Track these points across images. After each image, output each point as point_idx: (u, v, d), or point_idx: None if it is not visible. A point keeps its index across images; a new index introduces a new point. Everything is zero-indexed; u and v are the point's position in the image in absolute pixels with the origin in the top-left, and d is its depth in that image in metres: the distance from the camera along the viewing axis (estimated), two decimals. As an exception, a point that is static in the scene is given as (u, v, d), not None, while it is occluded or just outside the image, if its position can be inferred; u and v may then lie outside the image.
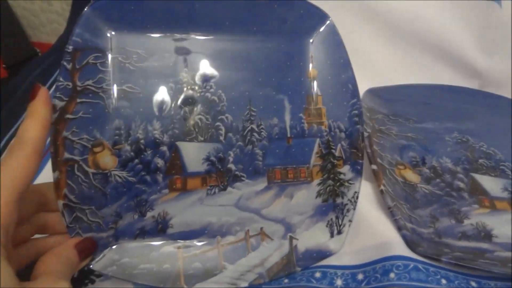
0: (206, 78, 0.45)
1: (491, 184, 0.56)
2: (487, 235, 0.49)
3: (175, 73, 0.45)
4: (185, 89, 0.45)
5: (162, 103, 0.44)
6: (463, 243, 0.48)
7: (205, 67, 0.45)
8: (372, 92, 0.65)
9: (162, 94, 0.44)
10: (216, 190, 0.45)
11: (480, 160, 0.59)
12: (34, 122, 0.33)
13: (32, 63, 0.68)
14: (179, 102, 0.44)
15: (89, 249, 0.38)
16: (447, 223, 0.50)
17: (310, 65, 0.48)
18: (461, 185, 0.55)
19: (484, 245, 0.48)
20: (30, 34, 0.82)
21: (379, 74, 0.69)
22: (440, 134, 0.62)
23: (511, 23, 0.70)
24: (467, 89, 0.71)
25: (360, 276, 0.43)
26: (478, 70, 0.73)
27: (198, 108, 0.45)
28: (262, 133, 0.46)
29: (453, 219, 0.50)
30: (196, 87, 0.45)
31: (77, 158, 0.39)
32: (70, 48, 0.39)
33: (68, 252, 0.36)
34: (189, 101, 0.45)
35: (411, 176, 0.55)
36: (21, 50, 0.75)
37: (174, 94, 0.44)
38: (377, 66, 0.71)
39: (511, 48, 0.71)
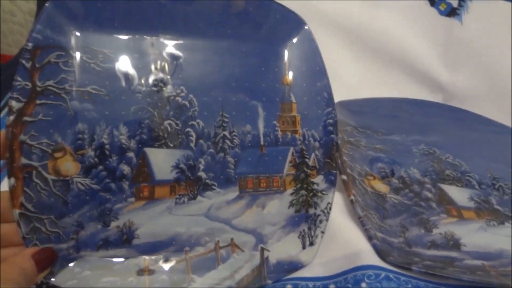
0: (173, 56, 0.43)
1: (458, 194, 0.57)
2: (455, 244, 0.49)
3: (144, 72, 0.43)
4: (153, 67, 0.43)
5: (127, 75, 0.41)
6: (433, 252, 0.48)
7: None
8: (341, 104, 0.66)
9: (126, 66, 0.42)
10: (186, 199, 0.43)
11: (447, 171, 0.60)
12: None
13: None
14: (150, 80, 0.42)
15: (48, 260, 0.36)
16: (417, 232, 0.50)
17: (285, 72, 0.47)
18: (429, 195, 0.56)
19: (453, 254, 0.48)
20: None
21: (347, 87, 0.70)
22: (408, 146, 0.63)
23: (471, 39, 0.74)
24: (433, 103, 0.74)
25: (332, 287, 0.42)
26: (442, 85, 0.76)
27: (168, 89, 0.43)
28: (234, 140, 0.45)
29: (422, 229, 0.51)
30: (166, 65, 0.43)
31: (35, 164, 0.37)
32: (29, 45, 0.37)
33: (24, 262, 0.33)
34: (159, 82, 0.43)
35: (380, 186, 0.55)
36: None
37: (141, 71, 0.42)
38: (345, 79, 0.72)
39: (473, 64, 0.75)
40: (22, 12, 0.77)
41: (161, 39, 0.43)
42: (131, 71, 0.42)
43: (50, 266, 0.36)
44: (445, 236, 0.50)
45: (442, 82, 0.76)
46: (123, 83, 0.42)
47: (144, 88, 0.42)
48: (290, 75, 0.47)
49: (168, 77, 0.43)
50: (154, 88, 0.42)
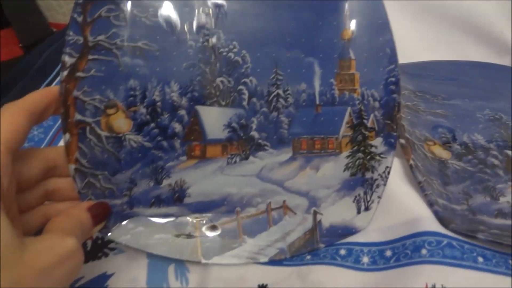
0: (217, 4, 0.41)
1: None
2: None
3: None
4: (196, 11, 0.41)
5: (170, 20, 0.40)
6: (500, 221, 0.46)
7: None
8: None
9: (168, 10, 0.40)
10: (237, 159, 0.42)
11: None
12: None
13: (46, 41, 0.67)
14: (193, 26, 0.41)
15: (103, 214, 0.36)
16: (482, 200, 0.48)
17: (345, 25, 0.44)
18: (496, 162, 0.53)
19: None
20: (47, 15, 0.80)
21: (405, 50, 0.66)
22: (471, 111, 0.60)
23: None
24: (498, 66, 0.69)
25: (388, 253, 0.41)
26: (510, 46, 0.70)
27: (220, 44, 0.41)
28: (288, 99, 0.43)
29: (488, 196, 0.48)
30: (210, 11, 0.41)
31: (89, 120, 0.37)
32: (81, -1, 0.36)
33: (80, 214, 0.33)
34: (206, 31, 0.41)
35: (441, 152, 0.53)
36: (38, 30, 0.74)
37: (184, 17, 0.41)
38: (403, 41, 0.67)
39: None
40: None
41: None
42: (175, 18, 0.40)
43: (104, 220, 0.37)
44: None
45: (510, 44, 0.70)
46: (174, 36, 0.40)
47: (195, 43, 0.41)
48: (350, 29, 0.44)
49: (213, 24, 0.41)
50: (205, 43, 0.41)
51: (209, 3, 0.41)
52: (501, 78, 0.66)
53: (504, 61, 0.71)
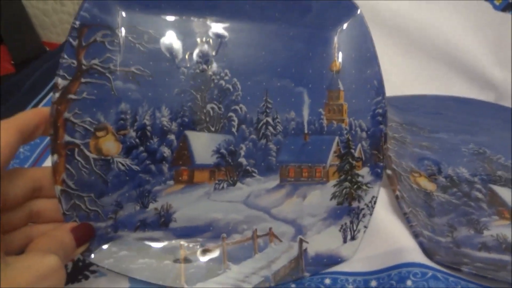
0: (218, 35, 0.42)
1: (510, 196, 0.55)
2: (508, 247, 0.47)
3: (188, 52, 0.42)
4: (198, 40, 0.42)
5: (172, 54, 0.41)
6: (484, 254, 0.46)
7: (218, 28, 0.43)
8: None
9: (171, 46, 0.41)
10: (225, 185, 0.42)
11: (499, 172, 0.58)
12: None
13: (39, 59, 0.68)
14: (194, 55, 0.41)
15: (87, 236, 0.36)
16: (466, 233, 0.49)
17: (334, 57, 0.45)
18: (479, 195, 0.54)
19: (506, 257, 0.46)
20: (41, 34, 0.82)
21: (392, 83, 0.68)
22: (456, 145, 0.61)
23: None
24: (482, 102, 0.71)
25: (373, 284, 0.41)
26: (494, 83, 0.73)
27: (212, 72, 0.42)
28: (277, 127, 0.43)
29: (472, 229, 0.49)
30: (211, 41, 0.42)
31: (78, 141, 0.37)
32: (77, 23, 0.37)
33: (63, 236, 0.33)
34: (204, 57, 0.42)
35: (427, 184, 0.54)
36: (31, 48, 0.75)
37: (185, 51, 0.41)
38: (391, 75, 0.69)
39: None
40: (72, 2, 0.79)
41: (208, 21, 0.42)
42: (177, 47, 0.41)
43: (88, 242, 0.36)
44: (497, 239, 0.48)
45: (494, 80, 0.72)
46: (168, 61, 0.41)
47: (187, 70, 0.41)
48: (338, 61, 0.45)
49: (213, 53, 0.42)
50: (197, 70, 0.42)
51: (210, 33, 0.42)
52: (484, 113, 0.68)
53: (487, 97, 0.73)
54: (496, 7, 0.70)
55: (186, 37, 0.41)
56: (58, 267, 0.28)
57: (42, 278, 0.27)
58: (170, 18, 0.41)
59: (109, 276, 0.39)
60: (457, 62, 0.72)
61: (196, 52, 0.42)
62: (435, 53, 0.72)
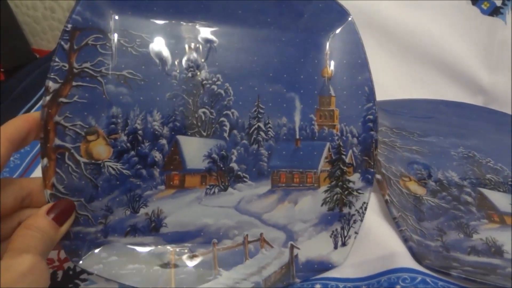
0: (208, 40, 0.42)
1: (500, 199, 0.55)
2: (498, 251, 0.48)
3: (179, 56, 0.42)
4: (186, 47, 0.42)
5: (162, 58, 0.41)
6: (473, 258, 0.47)
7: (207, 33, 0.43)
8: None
9: (161, 50, 0.41)
10: (216, 190, 0.42)
11: (488, 176, 0.58)
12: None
13: (29, 66, 0.67)
14: (183, 62, 0.41)
15: (66, 212, 0.34)
16: (455, 237, 0.49)
17: (326, 63, 0.45)
18: (469, 199, 0.54)
19: (495, 261, 0.47)
20: (31, 41, 0.81)
21: (382, 87, 0.68)
22: (445, 149, 0.61)
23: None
24: (471, 105, 0.72)
25: (363, 290, 0.41)
26: (482, 87, 0.73)
27: (204, 77, 0.42)
28: (269, 132, 0.43)
29: (462, 233, 0.49)
30: (200, 47, 0.42)
31: (68, 145, 0.37)
32: (69, 26, 0.37)
33: (39, 223, 0.31)
34: (195, 63, 0.42)
35: (416, 188, 0.54)
36: (21, 55, 0.75)
37: (176, 55, 0.41)
38: (381, 79, 0.69)
39: None
40: (62, 9, 0.79)
41: (198, 26, 0.42)
42: (166, 54, 0.41)
43: (69, 217, 0.35)
44: (486, 242, 0.49)
45: (483, 84, 0.73)
46: (159, 67, 0.41)
47: (179, 74, 0.41)
48: (330, 67, 0.45)
49: (203, 60, 0.42)
50: (188, 74, 0.41)
51: (200, 38, 0.42)
52: (473, 117, 0.69)
53: (476, 100, 0.74)
54: (483, 12, 0.71)
55: (176, 42, 0.41)
56: (35, 263, 0.28)
57: (21, 276, 0.27)
58: (161, 22, 0.41)
59: (99, 285, 0.39)
60: (446, 66, 0.72)
61: (184, 59, 0.42)
62: (424, 57, 0.72)
